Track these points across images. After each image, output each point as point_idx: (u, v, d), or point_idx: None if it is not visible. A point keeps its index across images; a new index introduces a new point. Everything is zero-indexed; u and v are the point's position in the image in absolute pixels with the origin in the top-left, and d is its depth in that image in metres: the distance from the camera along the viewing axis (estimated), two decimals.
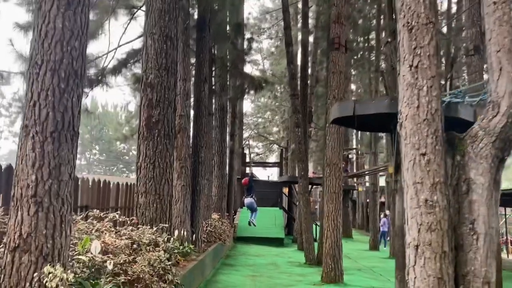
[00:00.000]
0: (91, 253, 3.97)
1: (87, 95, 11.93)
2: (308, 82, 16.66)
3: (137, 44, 13.05)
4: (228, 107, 16.67)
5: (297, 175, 17.99)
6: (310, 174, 22.27)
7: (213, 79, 13.17)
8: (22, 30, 9.12)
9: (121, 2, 11.00)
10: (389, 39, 10.92)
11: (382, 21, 18.53)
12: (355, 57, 23.91)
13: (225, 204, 16.72)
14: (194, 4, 10.96)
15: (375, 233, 19.35)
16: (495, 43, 3.09)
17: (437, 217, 3.02)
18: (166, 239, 5.91)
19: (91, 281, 3.88)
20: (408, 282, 3.12)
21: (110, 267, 3.95)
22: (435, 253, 2.98)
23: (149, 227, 5.89)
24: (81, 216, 5.47)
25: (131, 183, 8.36)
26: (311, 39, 19.75)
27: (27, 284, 3.13)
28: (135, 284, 4.66)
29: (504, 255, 20.95)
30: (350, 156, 31.37)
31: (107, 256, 4.30)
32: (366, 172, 23.82)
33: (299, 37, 21.44)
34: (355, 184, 31.24)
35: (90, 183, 7.02)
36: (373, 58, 20.88)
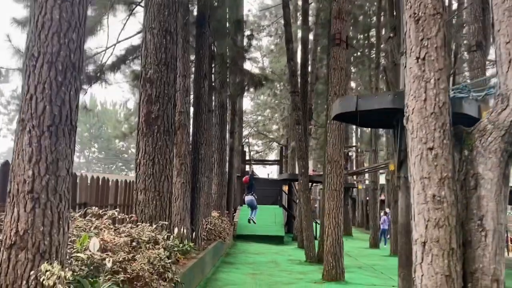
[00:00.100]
0: (90, 251, 3.89)
1: (86, 92, 11.84)
2: (308, 79, 16.56)
3: (136, 41, 12.97)
4: (228, 104, 16.58)
5: (297, 172, 17.94)
6: (310, 172, 22.16)
7: (212, 76, 13.09)
8: (19, 25, 9.02)
9: None
10: (391, 35, 10.83)
11: (382, 18, 18.45)
12: (355, 55, 23.83)
13: (225, 202, 16.65)
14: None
15: (375, 231, 19.29)
16: (504, 35, 3.00)
17: (445, 213, 2.94)
18: (165, 236, 5.83)
19: (90, 279, 3.80)
20: (414, 280, 3.04)
21: (109, 265, 3.87)
22: (443, 250, 2.91)
23: (148, 224, 5.82)
24: (80, 213, 5.39)
25: (130, 180, 8.28)
26: (311, 36, 19.65)
27: (24, 282, 3.05)
28: (135, 282, 4.58)
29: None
30: (350, 153, 31.32)
31: (106, 254, 4.22)
32: (366, 170, 23.76)
33: (299, 34, 21.34)
34: (355, 182, 31.21)
35: (89, 180, 6.94)
36: (373, 55, 20.80)
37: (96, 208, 5.67)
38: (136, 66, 12.61)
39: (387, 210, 20.46)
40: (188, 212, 8.98)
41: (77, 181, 6.57)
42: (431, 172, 2.99)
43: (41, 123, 3.24)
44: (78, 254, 3.93)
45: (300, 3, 20.60)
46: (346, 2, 9.93)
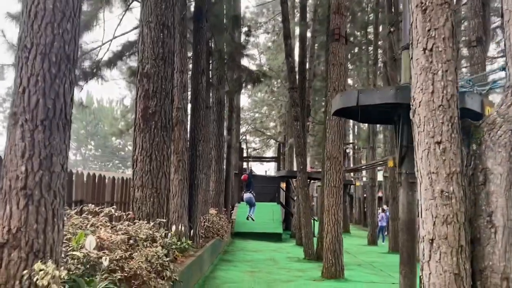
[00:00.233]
0: (86, 249, 3.78)
1: (82, 89, 11.70)
2: (306, 76, 16.45)
3: (133, 37, 12.85)
4: (225, 101, 16.45)
5: (295, 169, 17.88)
6: (308, 169, 22.09)
7: (210, 72, 12.96)
8: (14, 20, 8.86)
9: None
10: (392, 29, 10.72)
11: (380, 14, 18.34)
12: (352, 51, 23.71)
13: (222, 199, 16.56)
14: None
15: (373, 228, 19.25)
16: None
17: (453, 209, 2.84)
18: (163, 234, 5.73)
19: (86, 278, 3.70)
20: (422, 278, 2.95)
21: (105, 263, 3.76)
22: (451, 247, 2.81)
23: (146, 222, 5.70)
24: (76, 210, 5.28)
25: (127, 178, 8.16)
26: (308, 34, 19.53)
27: (17, 282, 2.93)
28: (132, 281, 4.47)
29: None
30: (347, 150, 31.26)
31: (103, 252, 4.11)
32: (363, 167, 23.70)
33: (296, 31, 21.23)
34: (352, 179, 31.18)
35: (85, 177, 6.82)
36: (371, 52, 20.70)
37: (93, 205, 5.57)
38: (133, 62, 12.47)
39: (385, 207, 20.42)
40: (186, 209, 8.87)
41: (73, 178, 6.46)
42: (439, 167, 2.89)
43: (34, 117, 3.11)
44: (74, 253, 3.81)
45: None
46: None
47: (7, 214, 3.02)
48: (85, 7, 10.22)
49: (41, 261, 2.97)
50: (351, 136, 34.34)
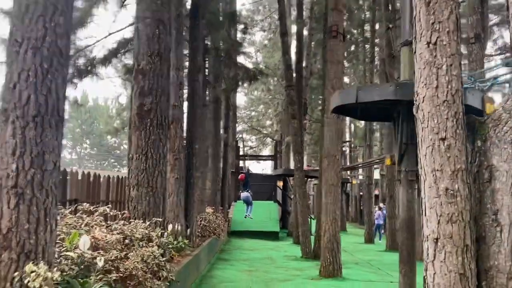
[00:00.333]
0: (80, 249, 3.67)
1: (76, 86, 11.55)
2: (303, 73, 16.37)
3: (128, 34, 12.66)
4: (222, 99, 16.34)
5: (291, 167, 17.81)
6: (305, 167, 22.05)
7: (206, 70, 12.84)
8: (6, 16, 8.71)
9: None
10: (390, 25, 10.65)
11: (377, 12, 18.26)
12: (348, 49, 23.64)
13: (219, 197, 16.47)
14: None
15: (370, 226, 19.22)
16: None
17: (458, 208, 2.76)
18: (159, 234, 5.63)
19: (80, 279, 3.59)
20: (426, 278, 2.87)
21: (100, 263, 3.66)
22: (457, 246, 2.73)
23: (141, 221, 5.60)
24: (70, 210, 5.17)
25: (122, 176, 8.05)
26: (305, 32, 19.44)
27: (8, 284, 2.83)
28: (128, 282, 4.37)
29: None
30: (343, 149, 31.23)
31: (98, 252, 4.01)
32: (360, 165, 23.67)
33: (293, 29, 21.12)
34: (349, 177, 31.16)
35: (80, 176, 6.71)
36: (368, 49, 20.64)
37: (87, 204, 5.46)
38: (128, 60, 12.32)
39: (382, 205, 20.40)
40: (182, 208, 8.76)
41: (67, 176, 6.35)
42: (443, 164, 2.81)
43: (26, 114, 3.01)
44: (68, 253, 3.71)
45: None
46: None
47: None
48: (79, 3, 10.08)
49: (32, 263, 2.86)
50: (347, 135, 34.32)
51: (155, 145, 6.06)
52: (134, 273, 4.35)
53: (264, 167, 43.42)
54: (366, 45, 21.64)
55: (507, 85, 5.03)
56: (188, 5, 10.73)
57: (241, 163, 25.61)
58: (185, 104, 9.92)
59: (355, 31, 22.52)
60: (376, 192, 26.39)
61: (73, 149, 57.75)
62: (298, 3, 16.34)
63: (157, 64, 6.09)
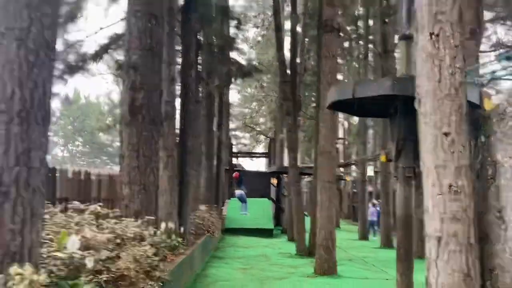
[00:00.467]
0: (69, 249, 3.54)
1: (67, 82, 11.35)
2: (297, 69, 16.24)
3: (120, 29, 12.47)
4: (215, 96, 16.20)
5: (285, 165, 17.73)
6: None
7: (199, 66, 12.67)
8: None
9: None
10: (386, 20, 10.57)
11: (371, 8, 18.17)
12: (342, 46, 23.54)
13: (213, 195, 16.35)
14: None
15: (363, 223, 19.20)
16: None
17: (462, 205, 2.67)
18: (152, 232, 5.50)
19: (69, 280, 3.46)
20: (428, 278, 2.77)
21: (90, 264, 3.53)
22: (461, 245, 2.64)
23: (133, 220, 5.46)
24: (60, 208, 5.03)
25: (114, 174, 7.91)
26: (298, 28, 19.30)
27: None
28: (120, 282, 4.24)
29: None
30: (337, 146, 31.23)
31: (88, 252, 3.87)
32: (353, 162, 23.66)
33: (286, 25, 20.97)
34: (342, 174, 31.16)
35: (70, 174, 6.57)
36: (362, 46, 20.57)
37: (78, 203, 5.33)
38: (120, 56, 12.13)
39: (375, 201, 20.39)
40: (176, 206, 8.62)
41: (57, 174, 6.20)
42: (447, 160, 2.71)
43: (10, 108, 2.85)
44: (56, 254, 3.57)
45: None
46: None
47: None
48: None
49: (18, 265, 2.73)
50: (341, 131, 34.30)
51: (147, 142, 5.92)
52: (126, 273, 4.23)
53: (258, 165, 43.31)
54: (360, 42, 21.57)
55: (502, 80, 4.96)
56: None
57: (234, 160, 25.52)
58: (178, 100, 9.78)
59: (349, 28, 22.42)
60: (370, 188, 26.40)
61: (65, 146, 57.23)
62: None
63: (148, 59, 5.94)
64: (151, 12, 6.06)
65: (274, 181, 23.00)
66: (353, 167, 28.95)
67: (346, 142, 32.74)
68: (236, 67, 13.27)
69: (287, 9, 21.23)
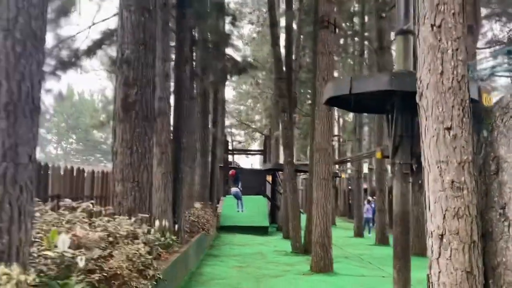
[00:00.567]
0: (59, 248, 3.43)
1: (60, 78, 11.19)
2: (293, 66, 16.15)
3: (113, 24, 12.30)
4: (210, 93, 16.07)
5: (281, 162, 17.66)
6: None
7: (193, 62, 12.54)
8: None
9: None
10: (383, 14, 10.48)
11: (366, 4, 18.09)
12: (337, 43, 23.44)
13: (208, 192, 16.25)
14: None
15: (359, 220, 19.18)
16: None
17: (465, 201, 2.59)
18: (146, 230, 5.40)
19: (60, 280, 3.36)
20: (430, 277, 2.70)
21: (81, 263, 3.43)
22: (463, 243, 2.56)
23: (127, 217, 5.36)
24: (51, 206, 4.91)
25: (107, 171, 7.79)
26: (294, 25, 19.19)
27: None
28: (112, 281, 4.14)
29: None
30: (333, 143, 31.18)
31: (79, 251, 3.77)
32: (348, 159, 23.62)
33: (281, 22, 20.86)
34: (338, 171, 31.13)
35: (62, 171, 6.44)
36: (357, 42, 20.50)
37: (70, 200, 5.21)
38: (114, 52, 11.97)
39: (370, 198, 20.36)
40: (170, 203, 8.52)
41: (49, 171, 6.08)
42: (449, 155, 2.63)
43: None
44: (47, 252, 3.47)
45: None
46: None
47: None
48: None
49: (5, 265, 2.62)
50: (336, 128, 34.26)
51: (140, 139, 5.82)
52: (119, 272, 4.13)
53: (253, 162, 43.24)
54: (355, 38, 21.50)
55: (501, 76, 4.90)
56: None
57: (229, 158, 25.43)
58: (172, 96, 9.65)
59: (344, 25, 22.34)
60: (364, 185, 26.38)
61: (59, 144, 56.84)
62: None
63: (141, 53, 5.83)
64: (144, 6, 5.95)
65: (269, 178, 22.95)
66: (348, 164, 28.91)
67: (341, 139, 32.69)
68: (231, 63, 13.15)
69: (283, 6, 21.13)
